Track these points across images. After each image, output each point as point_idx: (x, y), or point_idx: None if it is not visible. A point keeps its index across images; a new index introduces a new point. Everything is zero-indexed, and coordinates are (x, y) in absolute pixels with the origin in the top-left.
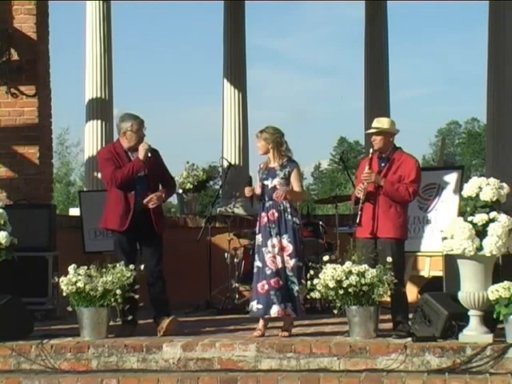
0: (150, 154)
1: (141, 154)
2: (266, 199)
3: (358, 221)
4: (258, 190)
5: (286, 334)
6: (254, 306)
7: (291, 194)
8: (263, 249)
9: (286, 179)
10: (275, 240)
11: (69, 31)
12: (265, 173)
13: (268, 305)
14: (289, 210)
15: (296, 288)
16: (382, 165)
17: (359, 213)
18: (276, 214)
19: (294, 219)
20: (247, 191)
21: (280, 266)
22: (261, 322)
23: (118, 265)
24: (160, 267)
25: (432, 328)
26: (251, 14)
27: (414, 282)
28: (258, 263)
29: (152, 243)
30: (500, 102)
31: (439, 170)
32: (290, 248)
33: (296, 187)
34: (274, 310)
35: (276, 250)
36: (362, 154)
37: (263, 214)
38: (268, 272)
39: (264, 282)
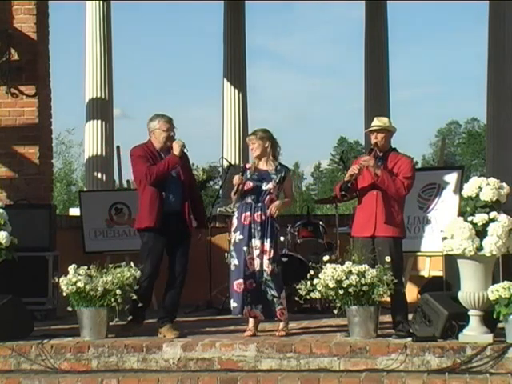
0: (186, 150)
1: (176, 150)
2: (255, 200)
3: (344, 190)
4: (248, 187)
5: (282, 333)
6: (232, 304)
7: (283, 206)
8: (244, 248)
9: (281, 184)
10: (258, 242)
11: (69, 31)
12: (255, 174)
13: (244, 304)
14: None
15: (272, 292)
16: (379, 164)
17: (349, 185)
18: (263, 217)
19: (276, 224)
20: (237, 179)
21: (257, 268)
22: (251, 322)
23: (122, 264)
24: (185, 273)
25: (432, 328)
26: (251, 14)
27: (414, 281)
28: (235, 261)
29: (181, 247)
30: (500, 102)
31: (439, 169)
32: (271, 253)
33: (288, 195)
34: (244, 311)
35: (257, 251)
36: (361, 154)
37: (248, 214)
38: (247, 273)
39: (241, 280)
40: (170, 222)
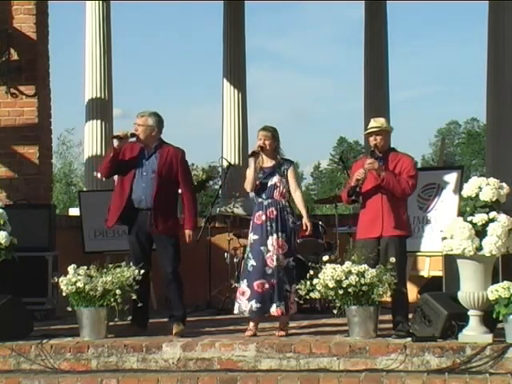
0: (127, 137)
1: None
2: (264, 197)
3: (354, 195)
4: (252, 175)
5: (282, 333)
6: (253, 305)
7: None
8: (262, 248)
9: (285, 177)
10: (274, 238)
11: (69, 31)
12: (260, 172)
13: (267, 304)
14: (288, 209)
15: (286, 287)
16: (380, 164)
17: (357, 190)
18: (275, 212)
19: (292, 218)
20: (257, 145)
21: (275, 264)
22: (252, 322)
23: (122, 264)
24: (172, 269)
25: (432, 328)
26: (251, 14)
27: (413, 281)
28: (252, 262)
29: (161, 245)
30: (500, 102)
31: (439, 169)
32: (285, 247)
33: (294, 187)
34: (274, 309)
35: (275, 248)
36: (361, 154)
37: (260, 213)
38: (269, 271)
39: (263, 280)
40: (138, 219)
